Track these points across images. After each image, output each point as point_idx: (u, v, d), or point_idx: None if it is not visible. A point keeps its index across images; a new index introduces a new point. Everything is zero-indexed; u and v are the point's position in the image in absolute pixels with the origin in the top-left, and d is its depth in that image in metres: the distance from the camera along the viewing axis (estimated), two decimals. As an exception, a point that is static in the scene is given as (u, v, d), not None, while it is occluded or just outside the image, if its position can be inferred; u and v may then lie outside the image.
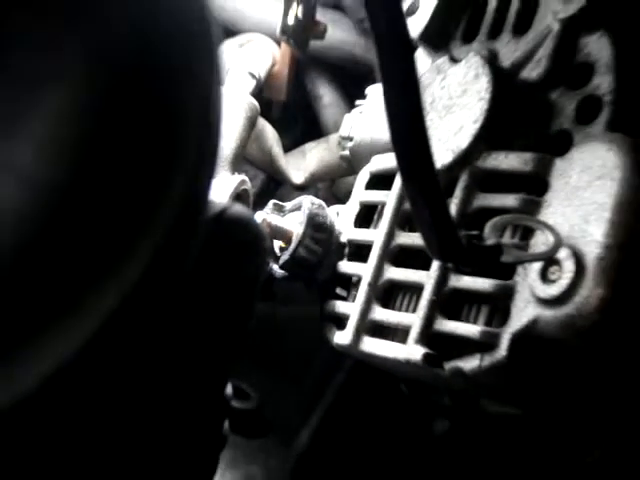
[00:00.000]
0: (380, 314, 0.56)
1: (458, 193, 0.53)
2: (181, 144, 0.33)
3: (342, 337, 0.57)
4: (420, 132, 0.39)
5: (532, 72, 0.53)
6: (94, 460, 0.37)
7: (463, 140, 0.53)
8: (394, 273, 0.56)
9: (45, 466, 0.35)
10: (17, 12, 0.30)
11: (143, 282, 0.32)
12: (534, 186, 0.50)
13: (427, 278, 0.53)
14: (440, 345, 0.52)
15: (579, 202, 0.47)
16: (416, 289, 0.54)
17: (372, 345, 0.55)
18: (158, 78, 0.32)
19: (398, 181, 0.57)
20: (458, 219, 0.52)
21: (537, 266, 0.47)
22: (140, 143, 0.32)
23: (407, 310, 0.55)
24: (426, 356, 0.51)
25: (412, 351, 0.52)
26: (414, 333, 0.52)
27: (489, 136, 0.52)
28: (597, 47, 0.51)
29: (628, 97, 0.49)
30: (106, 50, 0.31)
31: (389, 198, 0.57)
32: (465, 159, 0.53)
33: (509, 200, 0.50)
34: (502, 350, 0.48)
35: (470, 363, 0.50)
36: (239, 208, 0.43)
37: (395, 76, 0.39)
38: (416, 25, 0.58)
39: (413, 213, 0.43)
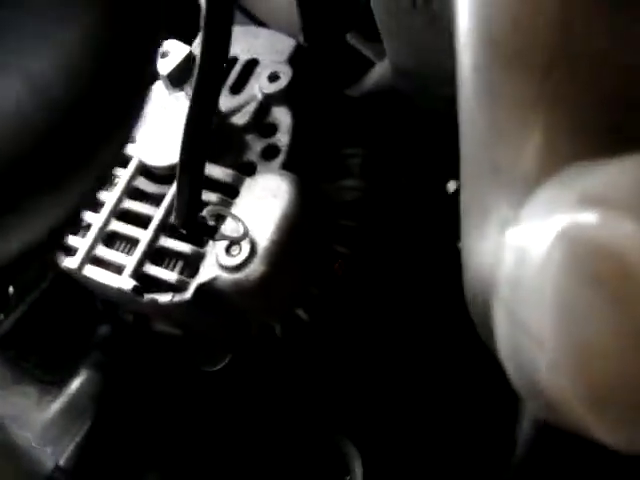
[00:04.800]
0: (102, 251, 0.78)
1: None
2: None
3: (70, 262, 0.78)
4: (199, 137, 0.64)
5: (238, 120, 0.80)
6: None
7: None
8: (118, 226, 0.79)
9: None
10: None
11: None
12: (230, 192, 0.77)
13: (144, 235, 0.77)
14: (145, 282, 0.76)
15: (258, 209, 0.75)
16: (134, 241, 0.78)
17: (94, 272, 0.77)
18: None
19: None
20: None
21: (224, 243, 0.74)
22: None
23: (125, 254, 0.78)
24: (134, 287, 0.75)
25: (125, 282, 0.75)
26: (128, 270, 0.76)
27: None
28: (283, 115, 0.80)
29: (297, 150, 0.79)
30: None
31: (124, 173, 0.80)
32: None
33: (212, 197, 0.76)
34: (188, 293, 0.74)
35: (164, 297, 0.75)
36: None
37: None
38: (164, 66, 0.80)
39: (177, 189, 0.67)
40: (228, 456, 0.85)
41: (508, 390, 0.42)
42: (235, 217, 0.72)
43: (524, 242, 0.40)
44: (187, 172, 0.66)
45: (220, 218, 0.74)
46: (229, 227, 0.74)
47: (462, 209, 0.49)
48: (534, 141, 0.45)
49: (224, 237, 0.71)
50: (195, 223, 0.69)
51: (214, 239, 0.71)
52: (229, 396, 0.85)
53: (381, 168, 0.83)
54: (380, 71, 0.88)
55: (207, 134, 0.65)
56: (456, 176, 0.51)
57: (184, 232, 0.71)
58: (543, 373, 0.37)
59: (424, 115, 0.85)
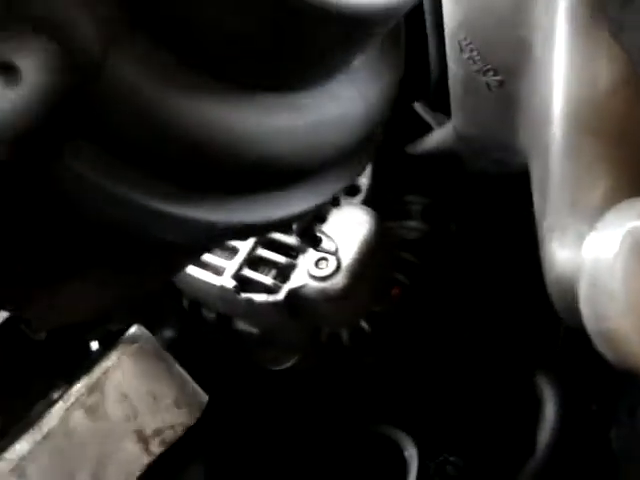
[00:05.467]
0: (206, 256, 0.93)
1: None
2: None
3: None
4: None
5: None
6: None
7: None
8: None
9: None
10: None
11: None
12: (320, 218, 0.92)
13: (244, 246, 0.92)
14: (242, 283, 0.91)
15: (343, 233, 0.90)
16: (235, 250, 0.93)
17: (197, 272, 0.92)
18: None
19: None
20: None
21: (314, 257, 0.89)
22: None
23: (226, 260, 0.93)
24: (235, 286, 0.90)
25: (226, 281, 0.90)
26: (229, 272, 0.91)
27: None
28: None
29: (374, 192, 0.95)
30: None
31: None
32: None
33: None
34: (281, 295, 0.89)
35: (260, 298, 0.90)
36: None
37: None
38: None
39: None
40: (286, 452, 0.98)
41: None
42: (329, 236, 0.88)
43: (599, 244, 0.57)
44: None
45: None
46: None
47: (544, 233, 0.67)
48: (605, 184, 0.63)
49: (323, 250, 0.87)
50: (309, 234, 0.85)
51: (317, 249, 0.87)
52: (289, 395, 0.99)
53: (437, 214, 1.00)
54: (440, 134, 1.05)
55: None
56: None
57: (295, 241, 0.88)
58: (613, 320, 0.53)
59: (474, 175, 1.02)
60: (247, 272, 0.91)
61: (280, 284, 0.90)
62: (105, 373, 0.60)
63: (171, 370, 0.64)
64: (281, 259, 0.91)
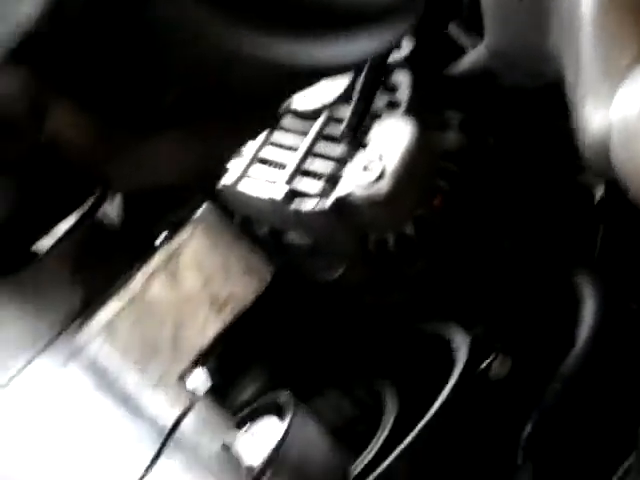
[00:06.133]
0: (256, 169, 0.98)
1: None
2: None
3: (226, 180, 0.97)
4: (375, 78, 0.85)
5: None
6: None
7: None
8: (270, 153, 0.99)
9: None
10: None
11: None
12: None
13: (291, 159, 0.97)
14: (291, 194, 0.96)
15: (387, 142, 0.95)
16: (282, 165, 0.98)
17: (247, 187, 0.97)
18: None
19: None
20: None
21: (360, 165, 0.94)
22: None
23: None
24: (286, 194, 0.95)
25: (276, 192, 0.95)
26: (278, 184, 0.96)
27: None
28: (403, 77, 1.01)
29: (413, 105, 1.00)
30: None
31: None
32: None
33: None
34: (328, 202, 0.94)
35: (307, 205, 0.95)
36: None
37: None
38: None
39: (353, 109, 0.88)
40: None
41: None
42: (373, 144, 0.93)
43: (629, 95, 0.61)
44: (363, 97, 0.87)
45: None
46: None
47: (577, 102, 0.71)
48: (636, 46, 0.68)
49: (367, 157, 0.92)
50: (355, 140, 0.90)
51: (362, 156, 0.92)
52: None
53: (474, 127, 1.04)
54: (474, 55, 1.09)
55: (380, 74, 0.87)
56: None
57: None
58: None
59: (509, 91, 1.06)
60: (296, 184, 0.96)
61: (328, 193, 0.95)
62: (180, 246, 0.65)
63: (240, 242, 0.69)
64: (328, 169, 0.96)
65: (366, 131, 0.96)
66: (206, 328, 0.65)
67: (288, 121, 1.01)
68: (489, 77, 1.06)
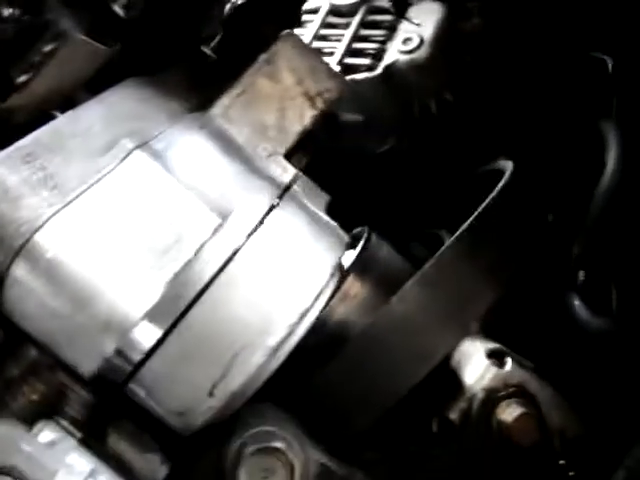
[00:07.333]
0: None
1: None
2: None
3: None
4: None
5: None
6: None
7: None
8: (318, 44, 1.16)
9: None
10: None
11: None
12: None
13: (339, 46, 1.14)
14: (344, 70, 1.12)
15: (423, 17, 1.11)
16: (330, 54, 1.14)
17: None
18: None
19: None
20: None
21: (401, 37, 1.10)
22: None
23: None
24: (340, 71, 1.11)
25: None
26: (333, 62, 1.12)
27: None
28: None
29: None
30: None
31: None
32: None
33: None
34: (378, 71, 1.10)
35: (361, 75, 1.11)
36: None
37: None
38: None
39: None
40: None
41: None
42: (410, 19, 1.10)
43: None
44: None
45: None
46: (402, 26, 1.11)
47: None
48: None
49: (411, 22, 1.08)
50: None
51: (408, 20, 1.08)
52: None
53: (493, 12, 1.20)
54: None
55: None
56: None
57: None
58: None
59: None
60: (348, 60, 1.13)
61: (376, 63, 1.11)
62: (276, 52, 0.81)
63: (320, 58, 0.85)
64: (375, 45, 1.12)
65: (406, 8, 1.13)
66: (303, 116, 0.81)
67: (331, 18, 1.18)
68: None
